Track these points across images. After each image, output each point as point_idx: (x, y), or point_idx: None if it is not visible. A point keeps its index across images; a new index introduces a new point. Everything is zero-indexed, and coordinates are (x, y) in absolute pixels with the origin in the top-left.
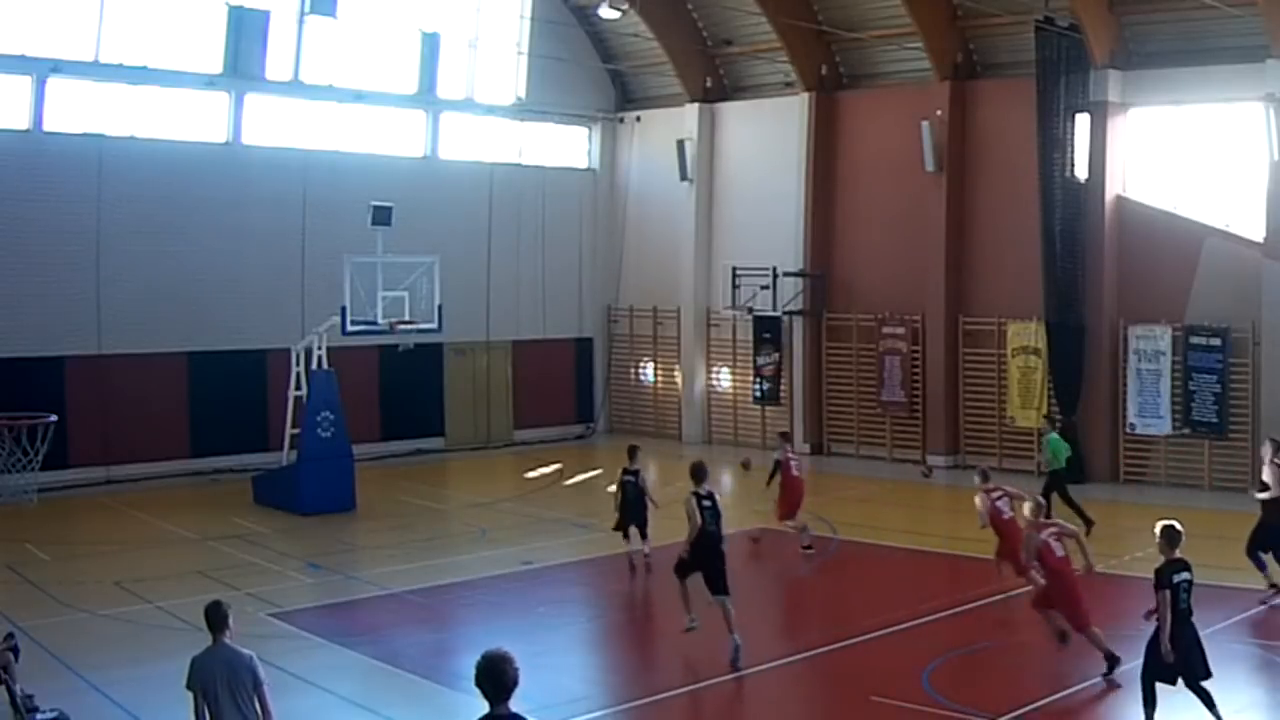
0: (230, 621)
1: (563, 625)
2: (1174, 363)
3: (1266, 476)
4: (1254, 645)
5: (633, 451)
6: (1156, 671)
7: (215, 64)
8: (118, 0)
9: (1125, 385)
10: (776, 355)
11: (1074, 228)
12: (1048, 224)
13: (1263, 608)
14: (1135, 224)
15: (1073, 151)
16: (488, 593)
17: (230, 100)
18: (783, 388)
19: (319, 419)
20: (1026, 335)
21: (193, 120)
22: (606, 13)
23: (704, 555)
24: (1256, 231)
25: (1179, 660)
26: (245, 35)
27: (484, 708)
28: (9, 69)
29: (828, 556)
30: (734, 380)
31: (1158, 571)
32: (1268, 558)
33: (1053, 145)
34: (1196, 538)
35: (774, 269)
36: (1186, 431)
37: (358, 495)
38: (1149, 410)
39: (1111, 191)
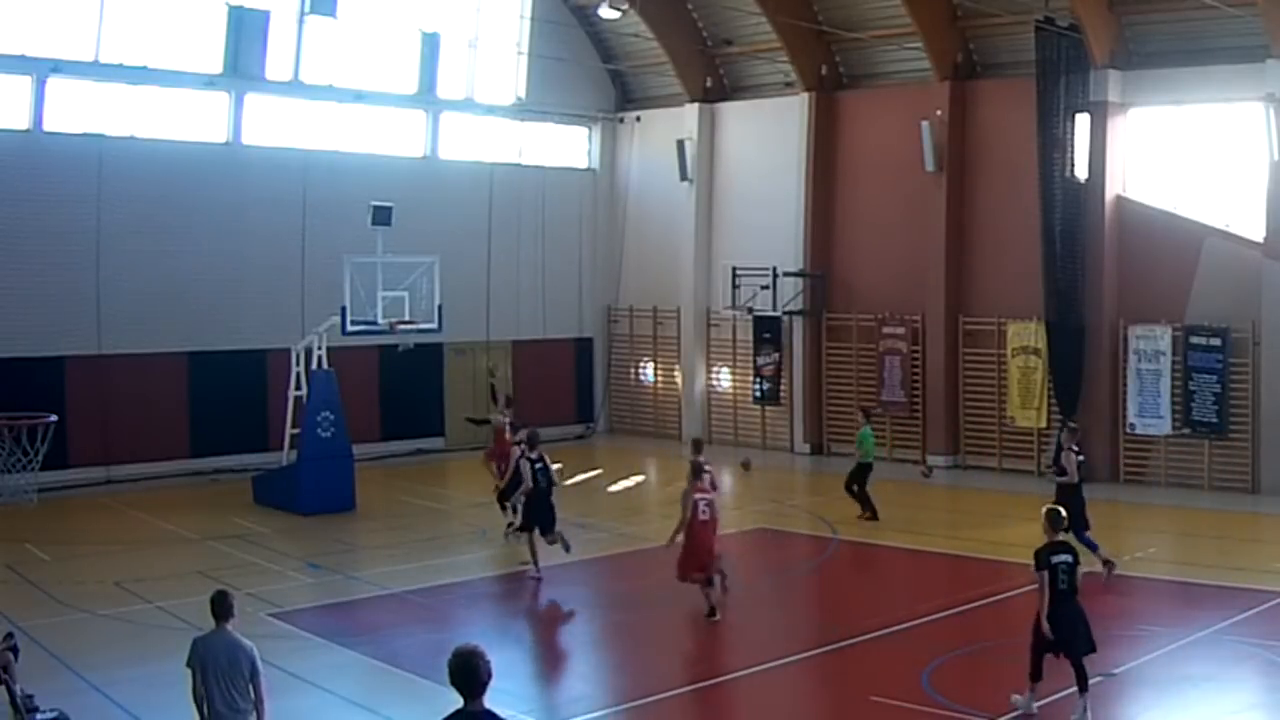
0: (235, 611)
1: (563, 625)
2: (1174, 363)
3: (1064, 461)
4: (1254, 645)
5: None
6: (1041, 647)
7: (215, 64)
8: (118, 0)
9: (1125, 385)
10: (776, 355)
11: (1074, 228)
12: (1048, 224)
13: (1261, 607)
14: (1135, 224)
15: (1073, 151)
16: (488, 593)
17: (230, 100)
18: (783, 388)
19: (319, 419)
20: (1026, 335)
21: (193, 120)
22: (606, 13)
23: (537, 506)
24: (1256, 231)
25: (1061, 636)
26: (245, 35)
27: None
28: (9, 69)
29: (827, 556)
30: (734, 380)
31: (1037, 553)
32: (1068, 536)
33: (1053, 145)
34: (1197, 537)
35: (774, 269)
36: (1186, 431)
37: (358, 495)
38: (1149, 410)
39: (1111, 191)
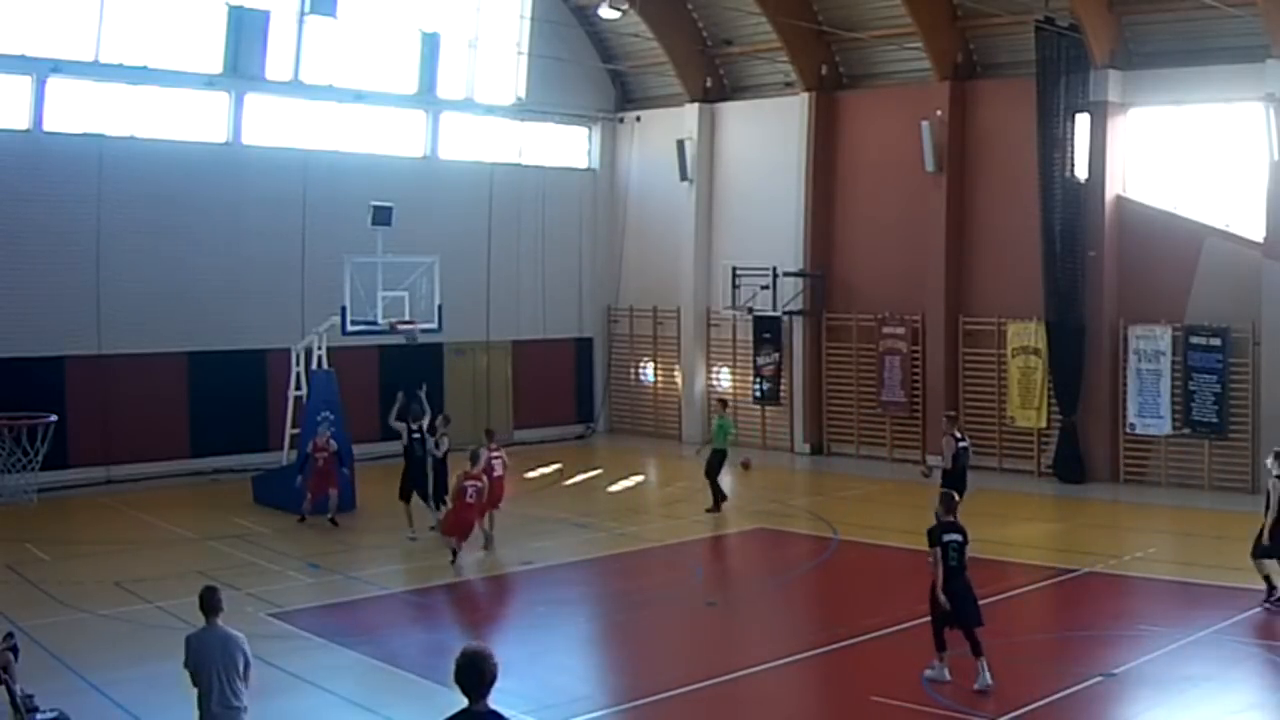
0: (223, 606)
1: (563, 625)
2: (1174, 363)
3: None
4: (1254, 645)
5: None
6: (940, 619)
7: (215, 64)
8: (118, 0)
9: (1125, 385)
10: (776, 355)
11: (1074, 228)
12: (1048, 224)
13: (1262, 607)
14: (1135, 224)
15: (1073, 151)
16: (488, 593)
17: (230, 100)
18: (783, 388)
19: (319, 419)
20: (1026, 335)
21: (193, 120)
22: (606, 13)
23: (412, 473)
24: (1256, 231)
25: (954, 608)
26: (245, 35)
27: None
28: (9, 69)
29: (827, 556)
30: (734, 380)
31: (929, 531)
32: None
33: (1053, 145)
34: (1196, 538)
35: (774, 269)
36: (1186, 431)
37: (358, 495)
38: (1149, 410)
39: (1111, 191)
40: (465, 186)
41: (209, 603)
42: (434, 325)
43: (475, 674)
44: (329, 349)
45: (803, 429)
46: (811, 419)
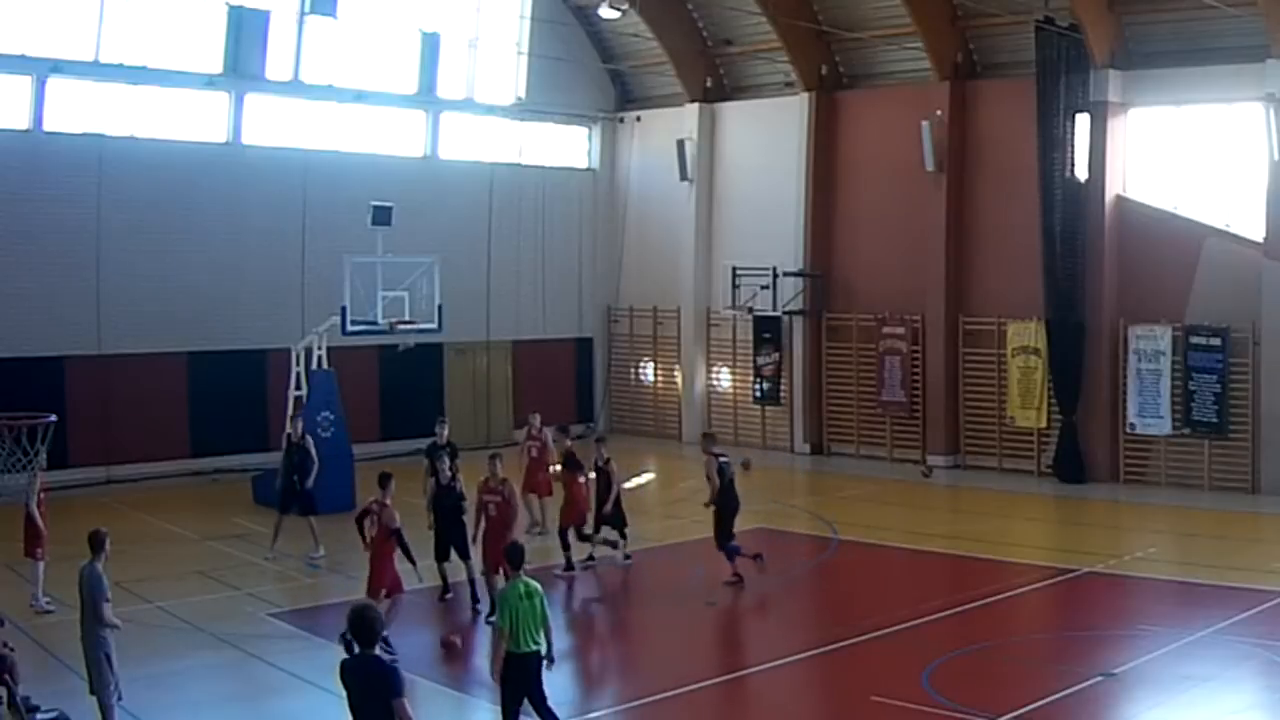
0: (106, 546)
1: (563, 625)
2: (1174, 363)
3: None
4: (1254, 645)
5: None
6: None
7: (215, 64)
8: (118, 0)
9: (1125, 385)
10: (776, 355)
11: (1074, 228)
12: (1048, 224)
13: (1261, 607)
14: (1135, 224)
15: (1073, 151)
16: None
17: (230, 100)
18: (783, 388)
19: (319, 419)
20: (1026, 335)
21: (193, 120)
22: (606, 13)
23: (287, 471)
24: (1256, 231)
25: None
26: (245, 35)
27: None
28: (9, 69)
29: (827, 556)
30: (734, 380)
31: (719, 464)
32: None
33: (1053, 145)
34: (1197, 537)
35: (774, 269)
36: (1186, 431)
37: (357, 495)
38: (1149, 410)
39: (1111, 191)
40: (465, 186)
41: (92, 543)
42: (434, 325)
43: (366, 627)
44: (329, 349)
45: (803, 429)
46: (811, 419)
